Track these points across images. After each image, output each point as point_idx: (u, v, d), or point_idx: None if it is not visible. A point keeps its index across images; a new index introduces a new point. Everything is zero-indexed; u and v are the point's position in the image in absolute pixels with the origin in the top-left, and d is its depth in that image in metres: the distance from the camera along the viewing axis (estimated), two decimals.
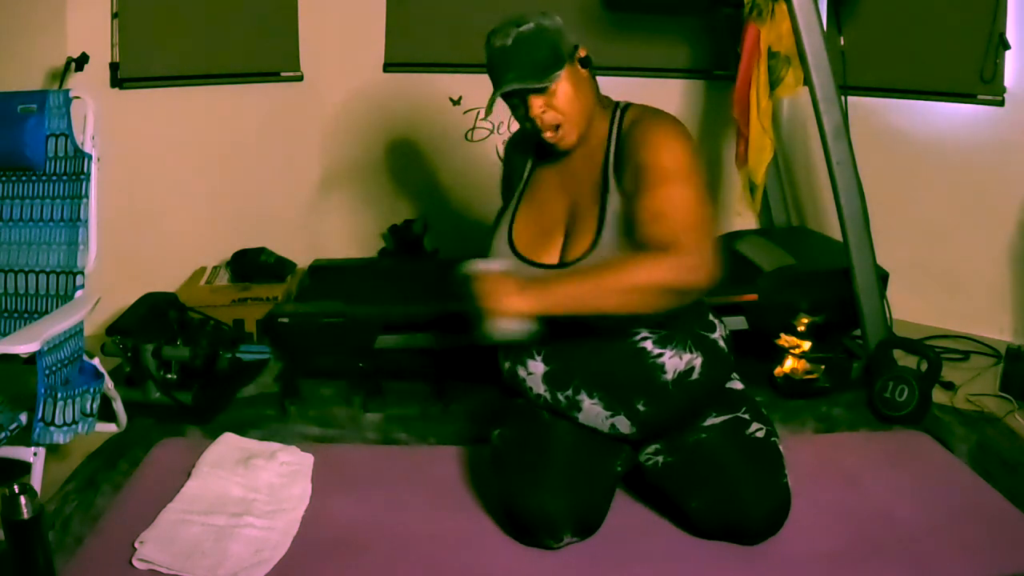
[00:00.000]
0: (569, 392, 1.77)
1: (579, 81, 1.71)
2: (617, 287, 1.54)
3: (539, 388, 1.81)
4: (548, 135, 1.73)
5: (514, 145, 1.98)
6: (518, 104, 1.73)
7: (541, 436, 1.79)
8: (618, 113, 1.78)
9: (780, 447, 1.78)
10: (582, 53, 1.73)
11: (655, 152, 1.63)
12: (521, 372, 1.83)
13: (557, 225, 1.78)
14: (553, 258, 1.75)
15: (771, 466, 1.73)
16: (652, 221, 1.57)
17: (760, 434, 1.78)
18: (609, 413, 1.76)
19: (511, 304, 1.54)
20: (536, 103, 1.69)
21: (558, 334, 1.72)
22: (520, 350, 1.80)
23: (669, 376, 1.73)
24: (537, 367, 1.80)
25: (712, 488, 1.70)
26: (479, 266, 1.61)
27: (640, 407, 1.74)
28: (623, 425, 1.77)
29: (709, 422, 1.78)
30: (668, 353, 1.73)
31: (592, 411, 1.77)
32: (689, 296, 1.58)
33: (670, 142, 1.64)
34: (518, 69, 1.67)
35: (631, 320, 1.72)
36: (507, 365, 1.86)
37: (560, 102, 1.69)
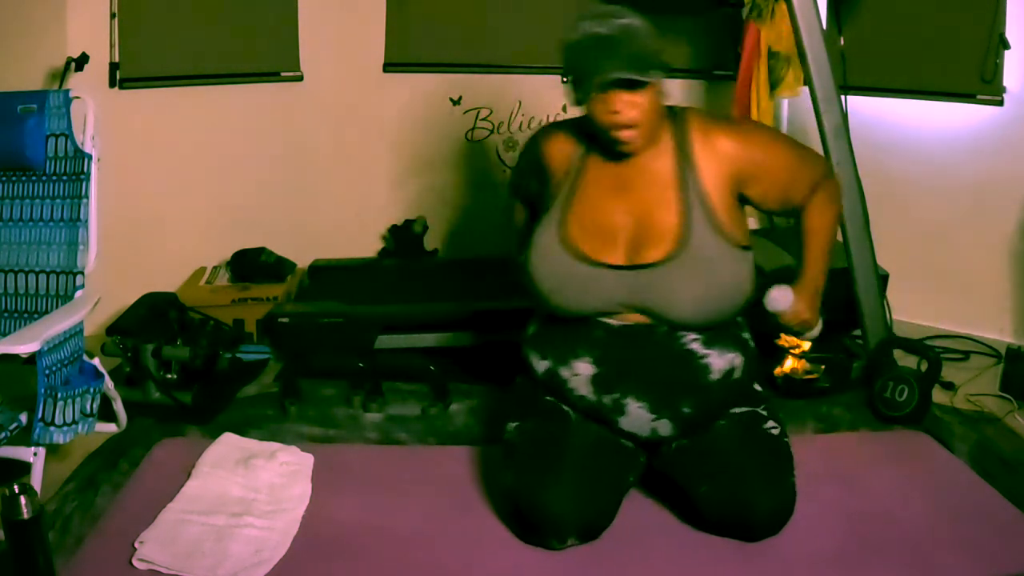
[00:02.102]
0: (616, 395, 1.75)
1: (663, 94, 1.70)
2: (832, 235, 1.96)
3: (583, 390, 1.78)
4: (622, 134, 1.68)
5: (552, 138, 1.87)
6: (599, 96, 1.65)
7: (560, 436, 1.77)
8: (675, 119, 1.77)
9: (791, 449, 1.79)
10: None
11: (753, 148, 1.79)
12: (564, 372, 1.79)
13: (618, 226, 1.75)
14: (617, 258, 1.73)
15: (781, 464, 1.75)
16: (793, 185, 1.85)
17: (775, 431, 1.80)
18: (654, 416, 1.75)
19: (813, 322, 1.96)
20: (623, 98, 1.64)
21: (612, 339, 1.74)
22: (567, 351, 1.78)
23: (715, 376, 1.74)
24: (585, 368, 1.76)
25: (722, 476, 1.71)
26: (775, 305, 1.92)
27: (685, 409, 1.74)
28: (664, 428, 1.76)
29: (728, 411, 1.81)
30: (714, 353, 1.74)
31: (636, 415, 1.75)
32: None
33: (751, 131, 1.91)
34: (622, 59, 1.62)
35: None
36: (547, 365, 1.82)
37: (646, 105, 1.66)
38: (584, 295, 1.75)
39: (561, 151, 1.84)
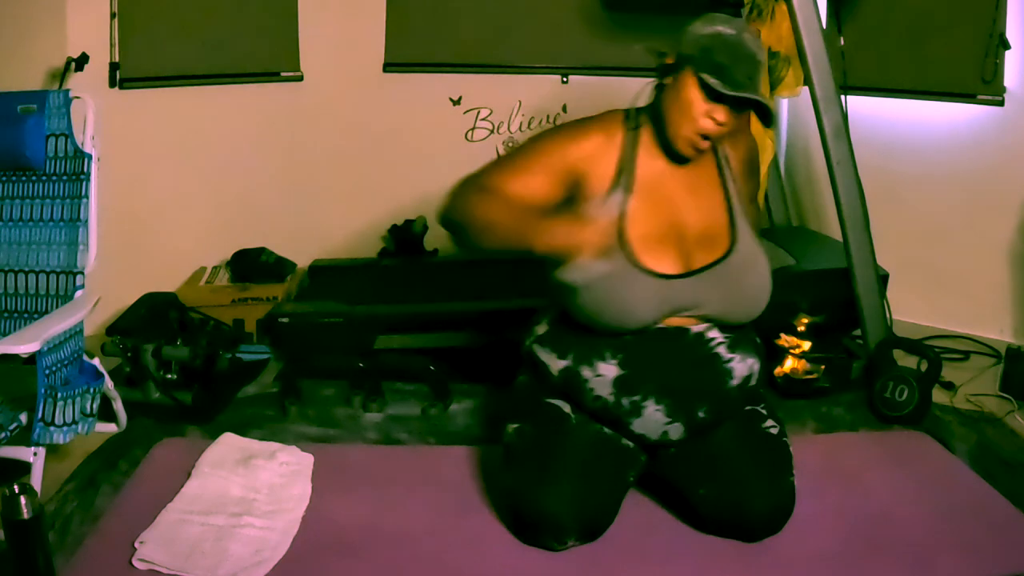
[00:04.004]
0: (636, 397, 1.71)
1: None
2: None
3: (603, 391, 1.73)
4: (703, 143, 1.65)
5: (582, 145, 1.75)
6: (704, 102, 1.60)
7: (559, 438, 1.76)
8: None
9: (790, 448, 1.79)
10: None
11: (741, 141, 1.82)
12: (585, 372, 1.74)
13: (672, 231, 1.72)
14: (669, 267, 1.68)
15: (780, 463, 1.75)
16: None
17: (774, 431, 1.79)
18: (668, 420, 1.72)
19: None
20: (729, 117, 1.61)
21: (641, 341, 1.70)
22: (590, 351, 1.73)
23: (735, 382, 1.73)
24: (609, 370, 1.72)
25: (720, 477, 1.71)
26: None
27: (700, 414, 1.72)
28: (675, 432, 1.74)
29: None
30: (736, 358, 1.73)
31: (651, 418, 1.72)
32: None
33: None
34: (752, 77, 1.59)
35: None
36: (565, 364, 1.76)
37: (736, 127, 1.66)
38: (643, 309, 1.68)
39: (598, 159, 1.73)
